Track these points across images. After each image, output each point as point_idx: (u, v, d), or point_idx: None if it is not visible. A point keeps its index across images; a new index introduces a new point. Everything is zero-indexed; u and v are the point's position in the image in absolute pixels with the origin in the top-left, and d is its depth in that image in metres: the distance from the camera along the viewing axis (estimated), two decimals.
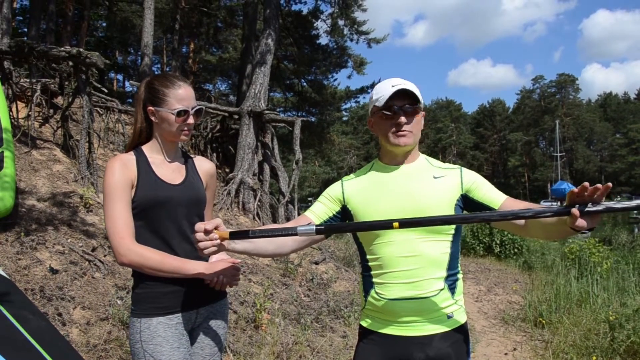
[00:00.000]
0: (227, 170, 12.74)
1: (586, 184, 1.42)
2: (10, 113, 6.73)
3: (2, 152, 4.95)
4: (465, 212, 1.88)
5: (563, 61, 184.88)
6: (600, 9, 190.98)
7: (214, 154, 12.78)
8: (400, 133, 1.83)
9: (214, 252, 1.66)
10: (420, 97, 1.84)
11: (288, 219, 10.73)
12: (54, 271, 4.52)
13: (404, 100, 1.83)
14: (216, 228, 1.63)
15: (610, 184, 1.44)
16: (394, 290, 1.80)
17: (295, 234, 1.65)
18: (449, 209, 1.82)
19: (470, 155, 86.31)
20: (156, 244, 1.91)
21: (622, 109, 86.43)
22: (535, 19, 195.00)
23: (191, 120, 2.00)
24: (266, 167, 11.34)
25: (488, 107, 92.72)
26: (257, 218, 10.38)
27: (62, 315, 3.93)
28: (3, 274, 3.11)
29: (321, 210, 1.95)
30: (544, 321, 5.92)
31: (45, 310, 3.83)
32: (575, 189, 1.43)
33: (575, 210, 1.43)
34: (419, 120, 1.88)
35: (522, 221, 1.72)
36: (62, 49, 7.24)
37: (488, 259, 12.61)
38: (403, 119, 1.82)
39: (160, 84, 2.00)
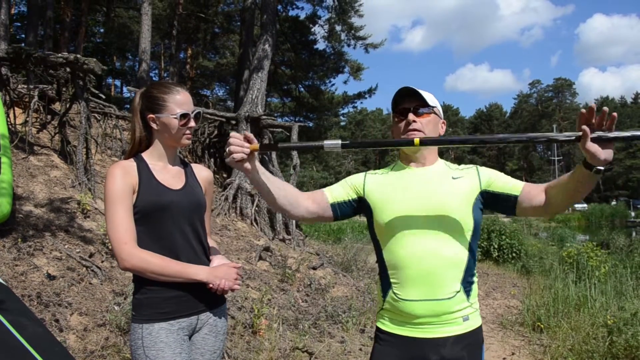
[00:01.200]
0: (224, 175, 12.73)
1: (593, 105, 1.52)
2: (8, 119, 6.73)
3: (0, 158, 4.94)
4: (484, 209, 1.92)
5: (560, 66, 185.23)
6: (597, 14, 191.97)
7: (212, 160, 12.78)
8: (410, 133, 1.89)
9: (241, 161, 1.73)
10: (429, 100, 1.91)
11: (286, 224, 10.73)
12: (51, 277, 4.50)
13: (412, 102, 1.91)
14: (249, 141, 1.74)
15: (615, 114, 1.52)
16: (412, 291, 1.81)
17: (322, 148, 1.74)
18: (467, 208, 1.85)
19: (468, 159, 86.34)
20: (158, 249, 1.93)
21: (619, 113, 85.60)
22: (533, 24, 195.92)
23: (192, 123, 2.05)
24: None
25: (485, 112, 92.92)
26: (254, 223, 10.37)
27: (59, 321, 3.92)
28: (0, 280, 3.10)
29: (338, 192, 2.00)
30: (542, 325, 5.92)
31: (42, 316, 3.82)
32: (584, 111, 1.53)
33: (585, 127, 1.51)
34: (431, 121, 1.93)
35: (543, 199, 1.78)
36: (60, 55, 7.24)
37: (486, 264, 12.60)
38: (411, 117, 1.90)
39: (158, 91, 2.04)
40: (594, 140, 1.51)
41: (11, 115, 7.38)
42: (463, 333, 1.83)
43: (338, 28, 22.14)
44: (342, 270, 8.73)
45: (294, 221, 10.81)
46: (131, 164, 2.01)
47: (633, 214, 45.35)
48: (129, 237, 1.88)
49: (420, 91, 1.92)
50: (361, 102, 27.66)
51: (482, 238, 13.31)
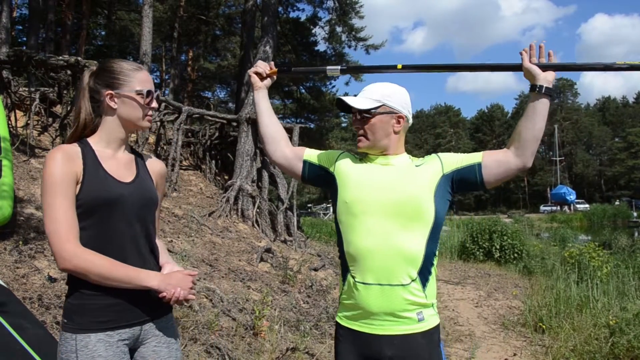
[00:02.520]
0: (225, 177, 12.74)
1: (532, 43, 1.89)
2: (9, 122, 6.74)
3: (1, 160, 4.94)
4: (454, 193, 1.96)
5: None
6: (599, 13, 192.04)
7: (213, 161, 12.79)
8: (359, 138, 2.01)
9: (260, 77, 2.16)
10: (367, 103, 1.96)
11: (287, 226, 10.73)
12: (52, 280, 4.51)
13: (356, 109, 1.99)
14: (270, 68, 2.16)
15: (551, 51, 1.88)
16: (367, 276, 1.85)
17: (324, 72, 2.15)
18: (428, 195, 1.88)
19: None
20: (103, 249, 1.71)
21: (620, 113, 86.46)
22: (534, 24, 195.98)
23: (155, 104, 1.89)
24: (265, 174, 11.35)
25: (487, 112, 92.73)
26: (256, 225, 10.38)
27: (60, 324, 3.92)
28: (1, 282, 3.10)
29: (314, 154, 2.13)
30: (544, 326, 5.91)
31: (43, 319, 3.82)
32: (524, 52, 1.89)
33: (522, 51, 1.88)
34: (375, 123, 1.97)
35: (508, 151, 1.90)
36: (61, 57, 7.27)
37: (488, 264, 12.58)
38: (355, 126, 2.02)
39: (118, 66, 1.85)
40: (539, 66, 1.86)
41: (12, 118, 7.39)
42: (418, 332, 1.85)
43: (339, 29, 22.19)
44: None
45: (295, 222, 10.82)
46: (75, 149, 1.76)
47: (635, 214, 45.18)
48: (72, 233, 1.66)
49: (353, 100, 2.00)
50: None
51: (484, 239, 13.30)
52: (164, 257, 1.97)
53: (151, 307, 1.79)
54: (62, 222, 1.65)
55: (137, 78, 1.83)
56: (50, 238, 1.66)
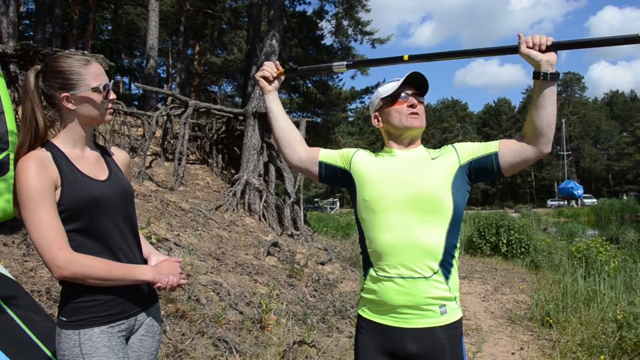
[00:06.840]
0: (232, 171, 12.76)
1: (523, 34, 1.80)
2: (17, 116, 6.76)
3: (9, 154, 4.96)
4: (473, 182, 1.97)
5: (570, 60, 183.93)
6: (608, 6, 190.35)
7: (220, 155, 12.80)
8: (414, 116, 1.97)
9: (267, 80, 2.12)
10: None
11: (294, 220, 10.74)
12: None
13: (414, 90, 2.01)
14: (277, 68, 2.13)
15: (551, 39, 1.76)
16: (390, 270, 1.86)
17: (331, 69, 2.11)
18: (446, 186, 1.88)
19: None
20: (94, 250, 1.71)
21: (628, 107, 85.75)
22: (543, 17, 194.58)
23: (112, 95, 1.83)
24: (272, 168, 11.35)
25: (494, 107, 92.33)
26: (262, 219, 10.39)
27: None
28: (9, 275, 3.12)
29: (330, 154, 2.12)
30: (551, 320, 5.89)
31: (52, 311, 3.84)
32: (521, 35, 1.79)
33: (520, 34, 1.78)
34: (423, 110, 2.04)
35: (522, 139, 1.87)
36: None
37: (495, 259, 12.55)
38: (419, 101, 2.00)
39: (67, 65, 1.76)
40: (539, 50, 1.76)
41: (20, 112, 7.42)
42: (442, 325, 1.85)
43: (345, 23, 22.16)
44: (350, 265, 8.74)
45: (302, 217, 10.83)
46: (45, 153, 1.71)
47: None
48: (63, 241, 1.62)
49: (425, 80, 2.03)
50: (369, 98, 27.66)
51: (491, 233, 13.27)
52: (146, 248, 1.99)
53: (143, 297, 1.86)
54: (49, 231, 1.61)
55: (90, 74, 1.77)
56: (40, 249, 1.61)
